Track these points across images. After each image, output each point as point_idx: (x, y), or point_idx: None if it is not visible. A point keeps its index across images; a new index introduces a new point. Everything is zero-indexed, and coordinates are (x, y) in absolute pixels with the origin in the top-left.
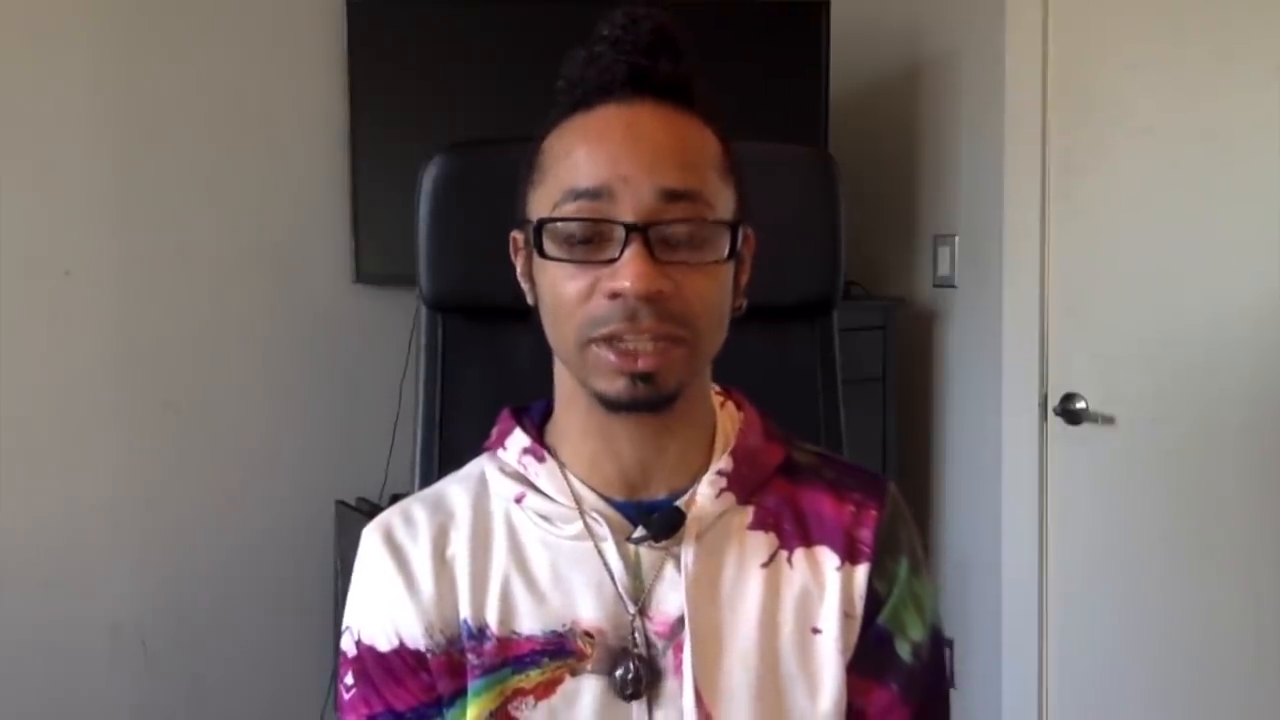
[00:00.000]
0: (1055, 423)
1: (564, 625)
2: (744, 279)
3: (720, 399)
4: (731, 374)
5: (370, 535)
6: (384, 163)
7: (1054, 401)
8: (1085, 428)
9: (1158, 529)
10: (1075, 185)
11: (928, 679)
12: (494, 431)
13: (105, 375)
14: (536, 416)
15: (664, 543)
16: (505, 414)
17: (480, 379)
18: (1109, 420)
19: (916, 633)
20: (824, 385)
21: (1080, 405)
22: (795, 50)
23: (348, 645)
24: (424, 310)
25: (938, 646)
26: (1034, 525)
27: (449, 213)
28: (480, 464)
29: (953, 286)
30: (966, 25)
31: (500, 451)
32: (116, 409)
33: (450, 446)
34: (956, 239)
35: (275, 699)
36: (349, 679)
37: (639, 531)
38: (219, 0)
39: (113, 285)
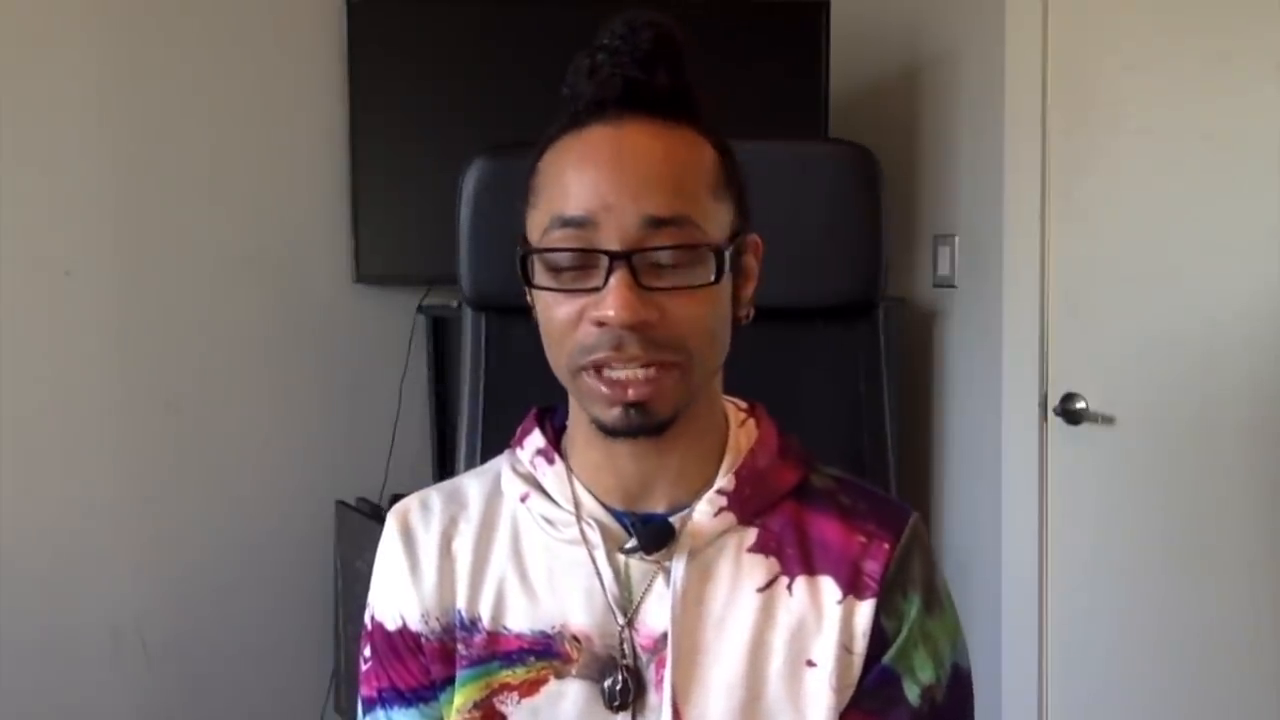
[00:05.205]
0: (1055, 422)
1: (553, 627)
2: (749, 289)
3: (743, 415)
4: (766, 377)
5: (391, 518)
6: (384, 163)
7: (1054, 401)
8: (1085, 428)
9: (1157, 529)
10: (1075, 185)
11: None
12: (518, 430)
13: (106, 376)
14: (559, 419)
15: (655, 556)
16: (531, 414)
17: (520, 377)
18: (1109, 420)
19: (927, 674)
20: (868, 388)
21: (1080, 405)
22: (795, 50)
23: (367, 619)
24: (467, 310)
25: (958, 687)
26: (1034, 525)
27: (489, 214)
28: (501, 461)
29: (953, 286)
30: (966, 25)
31: (518, 450)
32: (117, 409)
33: (491, 447)
34: (956, 239)
35: (275, 699)
36: (367, 651)
37: (631, 542)
38: (219, 0)
39: (113, 285)
